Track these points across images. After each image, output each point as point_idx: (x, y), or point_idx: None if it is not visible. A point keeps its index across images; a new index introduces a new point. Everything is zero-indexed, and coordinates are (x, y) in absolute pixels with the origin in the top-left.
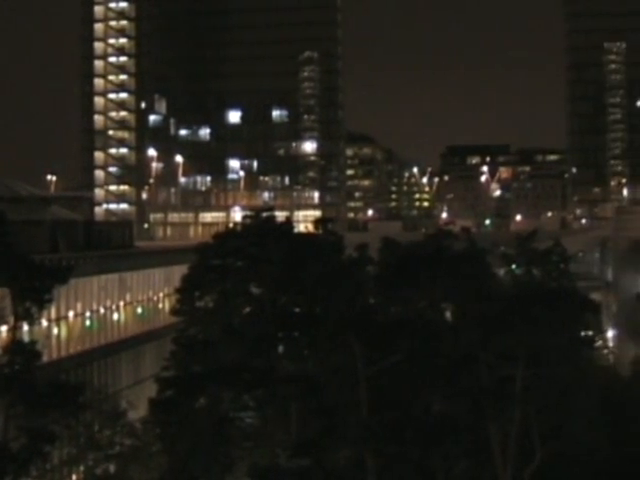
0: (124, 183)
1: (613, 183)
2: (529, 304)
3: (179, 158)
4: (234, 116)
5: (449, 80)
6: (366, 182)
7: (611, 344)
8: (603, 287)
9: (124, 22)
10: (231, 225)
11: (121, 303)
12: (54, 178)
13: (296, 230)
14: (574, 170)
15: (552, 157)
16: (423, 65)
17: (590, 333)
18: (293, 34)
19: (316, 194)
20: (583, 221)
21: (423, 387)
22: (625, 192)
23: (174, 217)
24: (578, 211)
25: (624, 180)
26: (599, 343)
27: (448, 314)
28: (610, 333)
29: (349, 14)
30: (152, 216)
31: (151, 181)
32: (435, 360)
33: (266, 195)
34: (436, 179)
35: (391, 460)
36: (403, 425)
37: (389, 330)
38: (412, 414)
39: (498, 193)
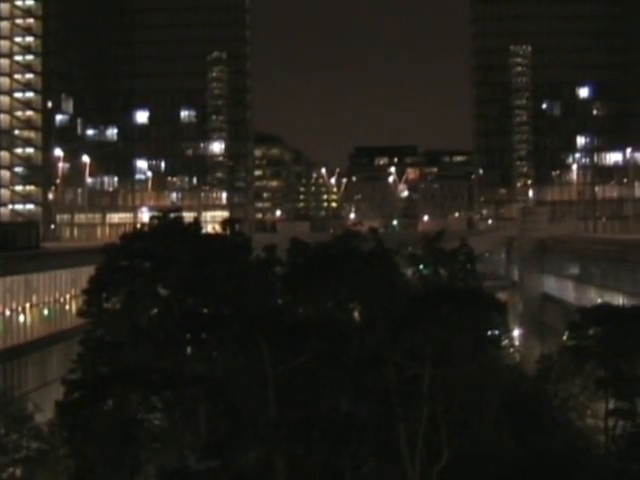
0: (30, 183)
1: (519, 184)
2: (436, 304)
3: (86, 158)
4: (142, 116)
5: (357, 81)
6: (274, 183)
7: (517, 343)
8: (509, 286)
9: (30, 20)
10: (138, 226)
11: (27, 305)
12: None
13: (204, 231)
14: (480, 171)
15: (459, 158)
16: (331, 66)
17: (496, 332)
18: (201, 34)
19: (224, 195)
20: (489, 221)
21: (331, 387)
22: (530, 193)
23: (81, 218)
24: (484, 212)
25: (529, 181)
26: (505, 342)
27: (356, 314)
28: (516, 332)
29: (257, 14)
30: (59, 217)
31: (58, 181)
32: (343, 360)
33: (174, 195)
34: (344, 180)
35: (300, 460)
36: (311, 425)
37: (297, 330)
38: (320, 414)
39: (405, 194)
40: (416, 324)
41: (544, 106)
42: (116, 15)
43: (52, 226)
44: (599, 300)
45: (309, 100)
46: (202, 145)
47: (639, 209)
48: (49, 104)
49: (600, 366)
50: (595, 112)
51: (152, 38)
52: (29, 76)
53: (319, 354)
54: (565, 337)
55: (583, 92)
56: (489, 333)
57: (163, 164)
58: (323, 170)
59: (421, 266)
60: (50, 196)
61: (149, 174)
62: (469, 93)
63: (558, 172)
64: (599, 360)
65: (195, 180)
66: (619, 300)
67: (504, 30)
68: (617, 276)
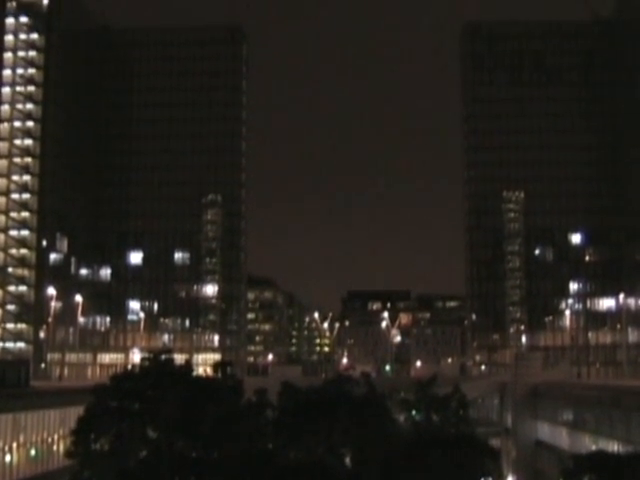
0: (22, 321)
1: (512, 329)
2: (428, 450)
3: (79, 297)
4: (135, 257)
5: (351, 226)
6: (267, 326)
7: None
8: (502, 433)
9: (28, 159)
10: (129, 367)
11: (14, 444)
12: None
13: (195, 373)
14: (473, 316)
15: (452, 303)
16: (326, 211)
17: (490, 479)
18: (197, 176)
19: (216, 337)
20: (482, 367)
21: None
22: (524, 338)
23: (72, 357)
24: (477, 357)
25: (522, 327)
26: None
27: (348, 459)
28: (510, 479)
29: (253, 157)
30: (49, 356)
31: (49, 320)
32: None
33: (166, 337)
34: (337, 324)
35: None
36: None
37: (288, 476)
38: None
39: (398, 339)
40: (408, 471)
41: (537, 252)
42: (112, 156)
43: (42, 365)
44: (593, 447)
45: (302, 243)
46: (195, 287)
47: (633, 355)
48: (44, 243)
49: None
50: (588, 258)
51: (148, 179)
52: (25, 214)
53: None
54: None
55: (575, 238)
56: None
57: (156, 305)
58: (316, 314)
59: (413, 411)
60: (41, 334)
61: (141, 315)
62: (462, 238)
63: (551, 317)
64: None
65: (187, 322)
66: (614, 447)
67: (497, 175)
68: (611, 422)
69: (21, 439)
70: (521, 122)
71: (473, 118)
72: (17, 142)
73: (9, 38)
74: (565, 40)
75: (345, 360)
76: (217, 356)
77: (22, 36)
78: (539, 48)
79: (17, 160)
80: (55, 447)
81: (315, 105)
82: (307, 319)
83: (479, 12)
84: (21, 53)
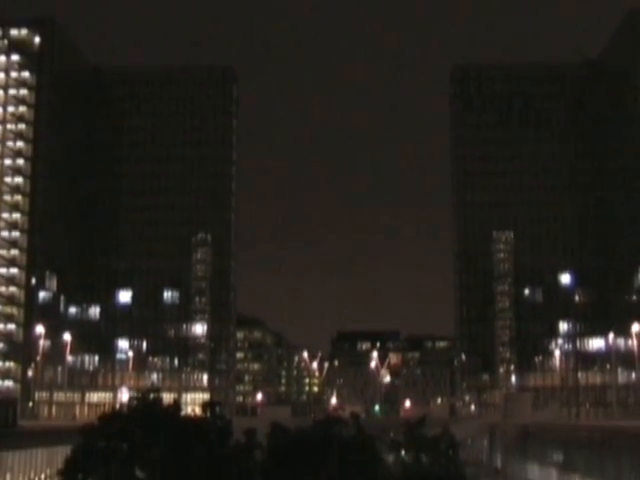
0: (10, 360)
1: (501, 370)
2: None
3: (67, 336)
4: (124, 296)
5: (339, 265)
6: (256, 366)
7: None
8: (492, 474)
9: (18, 197)
10: (117, 406)
11: None
12: None
13: (184, 413)
14: (463, 357)
15: (441, 344)
16: (316, 252)
17: None
18: (187, 216)
19: (205, 376)
20: (472, 407)
21: None
22: (513, 379)
23: (60, 396)
24: (467, 397)
25: (512, 367)
26: None
27: None
28: None
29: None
30: (37, 394)
31: (38, 359)
32: None
33: (154, 376)
34: (326, 364)
35: None
36: None
37: None
38: None
39: (388, 379)
40: None
41: (526, 292)
42: (102, 195)
43: (30, 404)
44: None
45: (291, 283)
46: (184, 326)
47: (622, 395)
48: (33, 281)
49: None
50: (577, 298)
51: (137, 219)
52: (14, 252)
53: None
54: None
55: (565, 278)
56: None
57: (145, 344)
58: (305, 354)
59: (403, 452)
60: (29, 373)
61: (130, 354)
62: (452, 278)
63: (541, 358)
64: None
65: (176, 361)
66: None
67: (487, 216)
68: (601, 464)
69: (8, 479)
70: (510, 163)
71: (462, 159)
72: (7, 180)
73: (0, 76)
74: (553, 82)
75: (334, 400)
76: (206, 395)
77: (13, 74)
78: (527, 90)
79: (7, 198)
80: None
81: (303, 147)
82: (296, 359)
83: (468, 54)
84: (12, 91)
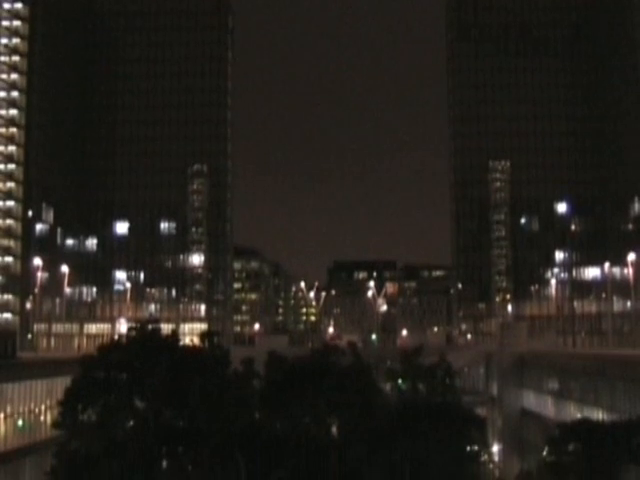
0: (8, 292)
1: (498, 299)
2: (414, 419)
3: (65, 268)
4: (121, 227)
5: (336, 195)
6: (253, 296)
7: (497, 459)
8: (488, 402)
9: (13, 129)
10: (116, 337)
11: (1, 415)
12: None
13: (182, 343)
14: (459, 286)
15: (438, 273)
16: (311, 180)
17: (475, 448)
18: (183, 147)
19: (202, 307)
20: (468, 336)
21: None
22: (509, 308)
23: (58, 328)
24: (463, 326)
25: (508, 296)
26: (484, 458)
27: (334, 429)
28: (495, 448)
29: (239, 128)
30: (36, 327)
31: (36, 291)
32: (320, 476)
33: (152, 307)
34: (323, 294)
35: None
36: None
37: (274, 446)
38: None
39: (384, 308)
40: (394, 440)
41: (522, 221)
42: (97, 126)
43: (29, 336)
44: (579, 415)
45: (288, 213)
46: (181, 257)
47: (618, 324)
48: (29, 213)
49: None
50: (573, 227)
51: (133, 150)
52: (10, 185)
53: (296, 470)
54: (545, 453)
55: (561, 207)
56: (468, 449)
57: (142, 275)
58: (302, 284)
59: (399, 381)
60: (28, 305)
61: (128, 285)
62: (449, 208)
63: (537, 287)
64: (579, 477)
65: (174, 292)
66: (598, 415)
67: (483, 146)
68: (596, 391)
69: (8, 410)
70: (507, 93)
71: (458, 89)
72: (2, 112)
73: None
74: (552, 11)
75: (331, 330)
76: (204, 326)
77: (6, 5)
78: (525, 19)
79: (2, 130)
80: (42, 418)
81: (300, 76)
82: (293, 289)
83: None
84: (5, 23)
